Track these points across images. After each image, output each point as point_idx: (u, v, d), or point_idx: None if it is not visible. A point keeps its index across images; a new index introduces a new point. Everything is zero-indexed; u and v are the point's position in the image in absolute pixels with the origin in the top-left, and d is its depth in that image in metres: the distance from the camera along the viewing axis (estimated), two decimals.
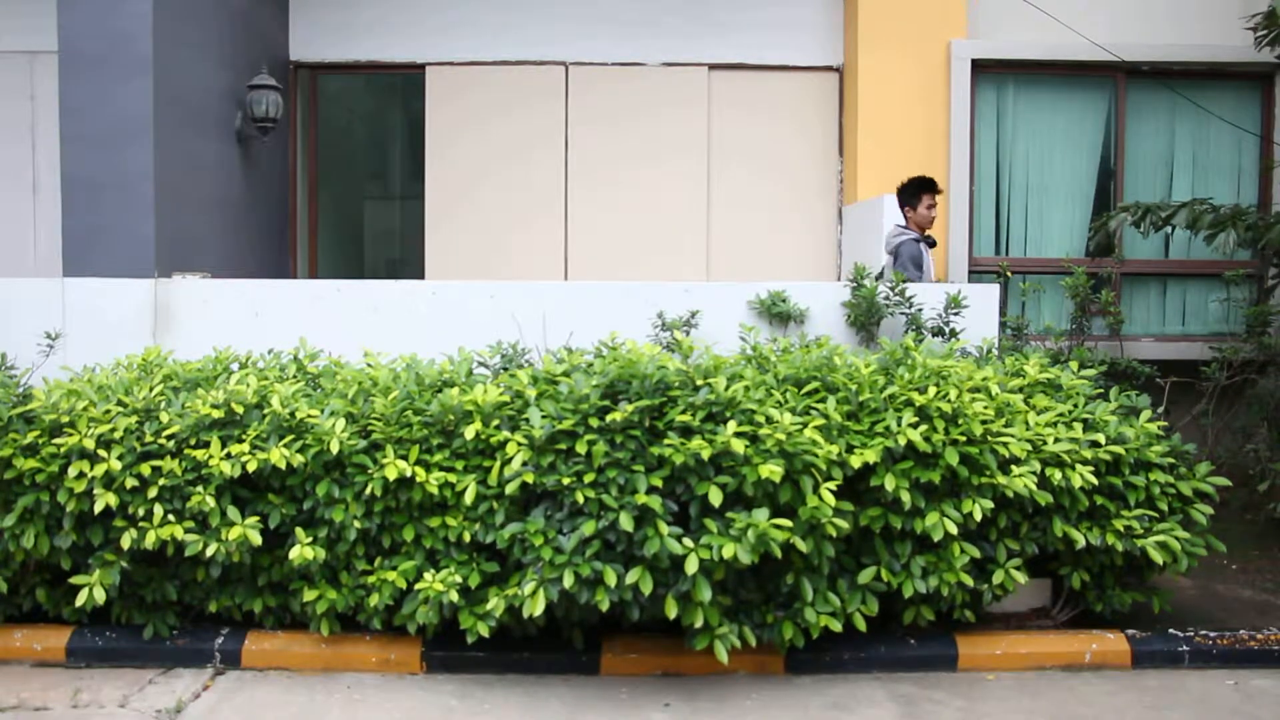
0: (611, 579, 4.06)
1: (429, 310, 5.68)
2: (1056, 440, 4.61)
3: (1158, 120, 7.96)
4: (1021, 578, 4.55)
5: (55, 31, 6.06)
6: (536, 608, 4.09)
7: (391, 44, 8.19)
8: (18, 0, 7.79)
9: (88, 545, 4.52)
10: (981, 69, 7.82)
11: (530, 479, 4.22)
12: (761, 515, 4.08)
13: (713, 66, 8.18)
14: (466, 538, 4.38)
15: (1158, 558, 4.54)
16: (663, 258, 8.09)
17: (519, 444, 4.30)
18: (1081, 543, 4.55)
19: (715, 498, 4.09)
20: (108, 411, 4.57)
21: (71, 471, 4.38)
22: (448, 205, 8.16)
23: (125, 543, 4.36)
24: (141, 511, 4.41)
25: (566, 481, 4.18)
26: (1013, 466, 4.47)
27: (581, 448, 4.20)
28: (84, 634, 4.67)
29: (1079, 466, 4.52)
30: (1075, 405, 4.92)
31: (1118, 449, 4.63)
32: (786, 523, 4.07)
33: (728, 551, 4.01)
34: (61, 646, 4.62)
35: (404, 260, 8.83)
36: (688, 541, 4.09)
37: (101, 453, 4.42)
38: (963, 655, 4.67)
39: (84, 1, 5.96)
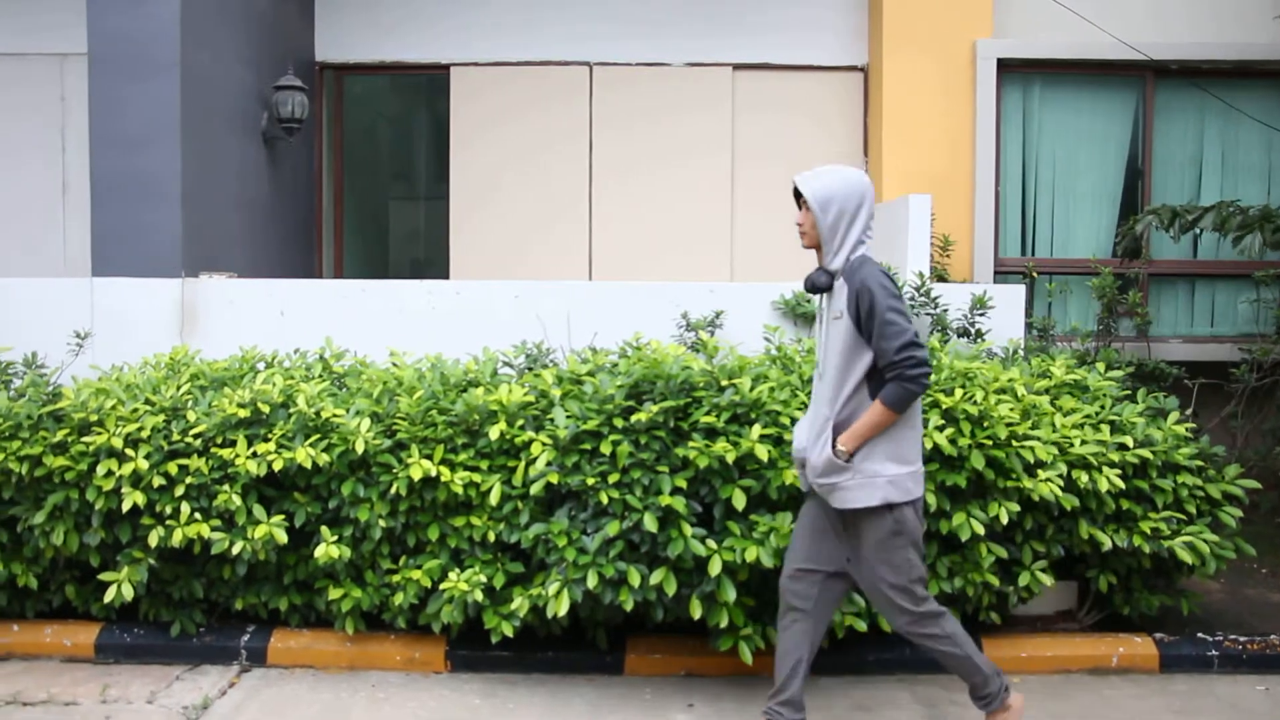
0: (635, 580, 4.06)
1: (454, 310, 5.69)
2: (1083, 442, 4.57)
3: (1186, 119, 7.90)
4: (1047, 580, 4.52)
5: (85, 34, 6.11)
6: (560, 608, 4.09)
7: (416, 44, 8.22)
8: (49, 3, 7.87)
9: (116, 543, 4.56)
10: (1007, 68, 7.78)
11: (555, 479, 4.22)
12: (785, 519, 4.07)
13: (737, 66, 8.17)
14: (491, 537, 4.39)
15: (1186, 559, 4.49)
16: (687, 258, 8.08)
17: (543, 444, 4.31)
18: (1108, 545, 4.51)
19: (739, 501, 4.08)
20: (135, 410, 4.60)
21: (100, 470, 4.41)
22: (472, 205, 8.19)
23: (153, 540, 4.38)
24: (169, 510, 4.44)
25: (591, 482, 4.18)
26: (1039, 470, 4.44)
27: (606, 448, 4.20)
28: (112, 630, 4.71)
29: (1106, 469, 4.48)
30: (1102, 407, 4.88)
31: (1145, 452, 4.58)
32: None
33: (750, 555, 4.01)
34: (90, 643, 4.66)
35: (428, 260, 8.86)
36: (711, 543, 4.08)
37: (129, 451, 4.45)
38: (988, 657, 4.64)
39: (113, 4, 6.01)
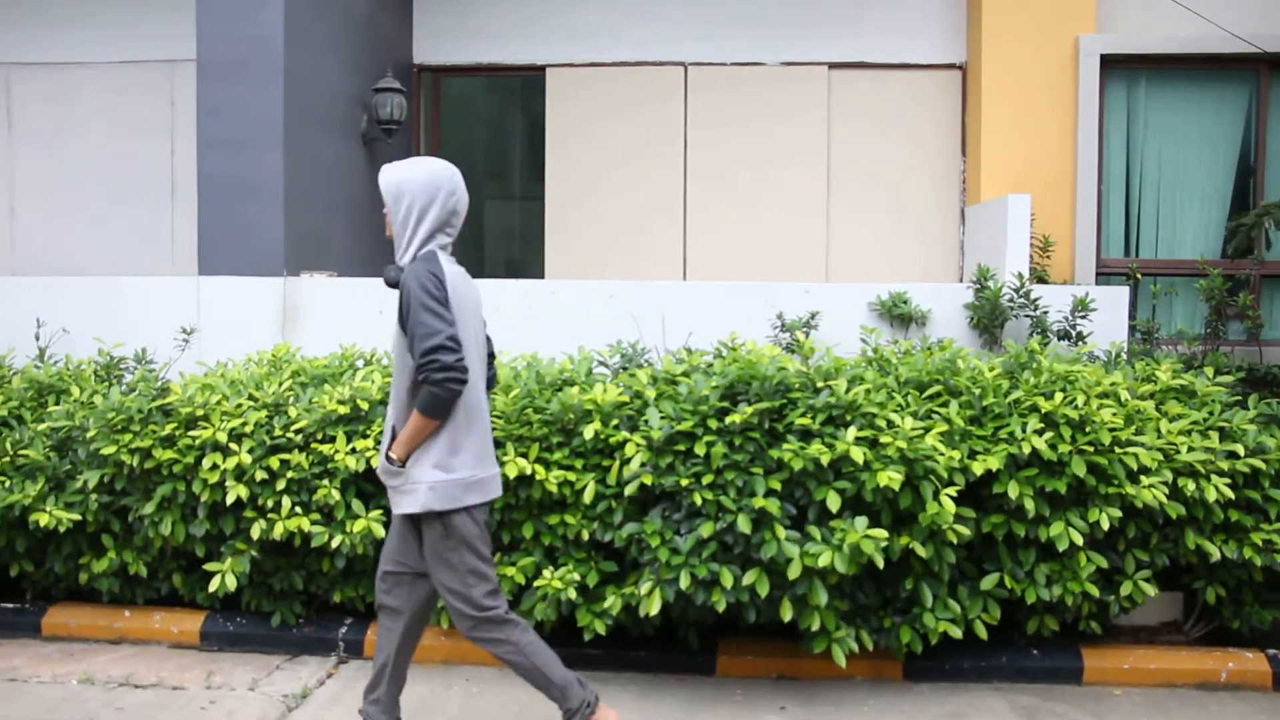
0: (728, 581, 4.04)
1: (549, 309, 5.73)
2: (1190, 449, 4.43)
3: None
4: (1151, 590, 4.39)
5: (194, 42, 6.28)
6: (653, 607, 4.09)
7: (512, 46, 8.30)
8: (160, 13, 8.14)
9: (220, 534, 4.69)
10: (1111, 64, 7.58)
11: (649, 480, 4.22)
12: (861, 524, 4.00)
13: (832, 65, 8.09)
14: (585, 536, 4.41)
15: None
16: (782, 258, 8.03)
17: (638, 444, 4.31)
18: (1216, 556, 4.37)
19: (833, 503, 4.03)
20: (239, 406, 4.73)
21: (205, 463, 4.54)
22: (567, 205, 8.24)
23: (255, 533, 4.50)
24: (270, 503, 4.55)
25: (685, 483, 4.17)
26: (1142, 476, 4.32)
27: (700, 449, 4.19)
28: (216, 619, 4.85)
29: (1214, 478, 4.34)
30: (1211, 413, 4.72)
31: (1257, 460, 4.43)
32: (880, 534, 3.97)
33: (824, 559, 3.95)
34: (196, 630, 4.81)
35: (523, 260, 8.93)
36: (793, 547, 4.04)
37: (233, 446, 4.57)
38: (1088, 668, 4.53)
39: (220, 11, 6.18)
